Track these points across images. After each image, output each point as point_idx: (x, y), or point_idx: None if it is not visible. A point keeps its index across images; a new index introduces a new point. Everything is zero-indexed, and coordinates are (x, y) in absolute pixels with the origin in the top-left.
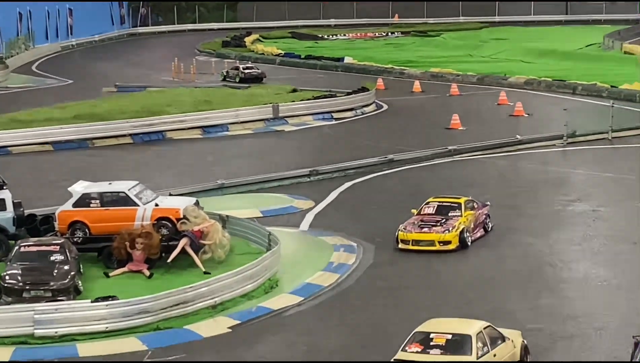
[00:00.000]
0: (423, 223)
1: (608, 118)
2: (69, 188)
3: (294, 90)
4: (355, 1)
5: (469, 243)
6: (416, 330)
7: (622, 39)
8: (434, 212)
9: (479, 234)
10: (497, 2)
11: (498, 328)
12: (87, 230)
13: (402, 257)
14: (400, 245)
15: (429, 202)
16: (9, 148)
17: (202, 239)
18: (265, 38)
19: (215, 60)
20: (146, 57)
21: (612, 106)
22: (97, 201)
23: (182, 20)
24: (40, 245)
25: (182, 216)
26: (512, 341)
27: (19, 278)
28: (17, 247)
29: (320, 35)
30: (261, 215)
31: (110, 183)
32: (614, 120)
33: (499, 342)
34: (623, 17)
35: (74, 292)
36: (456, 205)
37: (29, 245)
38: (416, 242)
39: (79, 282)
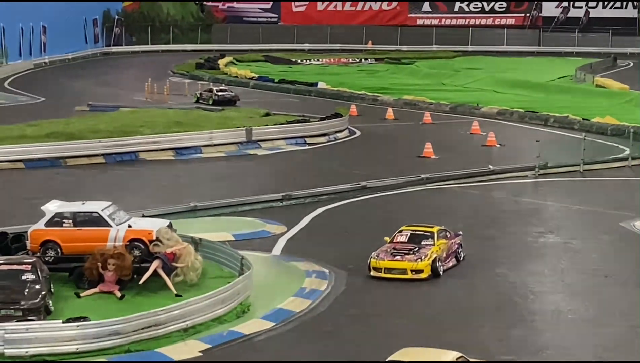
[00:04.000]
0: (396, 251)
1: (580, 150)
2: (42, 207)
3: (267, 114)
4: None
5: (441, 273)
6: (388, 359)
7: (593, 72)
8: (406, 241)
9: (450, 264)
10: (470, 30)
11: (470, 359)
12: (59, 249)
13: (374, 284)
14: (373, 273)
15: (401, 230)
16: None
17: (175, 262)
18: (239, 61)
19: (189, 82)
20: (119, 77)
21: (584, 139)
22: (70, 221)
23: (155, 41)
24: (11, 263)
25: (154, 238)
26: None
27: None
28: None
29: (294, 60)
30: (233, 239)
31: (83, 203)
32: (585, 153)
33: None
34: (595, 50)
35: (44, 312)
36: (429, 234)
37: None
38: (388, 270)
39: (50, 302)
